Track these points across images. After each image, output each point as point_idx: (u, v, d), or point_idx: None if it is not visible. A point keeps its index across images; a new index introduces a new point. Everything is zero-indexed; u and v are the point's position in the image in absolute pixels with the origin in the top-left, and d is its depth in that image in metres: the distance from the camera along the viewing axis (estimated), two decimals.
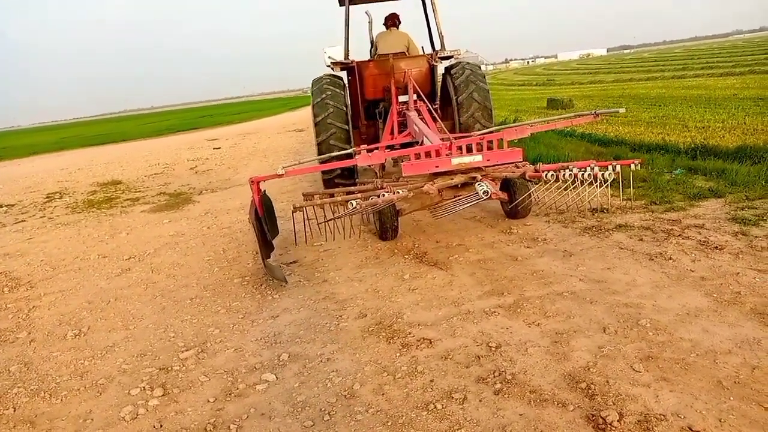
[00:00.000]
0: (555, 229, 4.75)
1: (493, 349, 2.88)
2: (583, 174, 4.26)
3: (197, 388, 2.85)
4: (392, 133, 6.29)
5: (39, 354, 3.47)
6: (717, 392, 2.32)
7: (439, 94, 7.61)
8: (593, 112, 4.92)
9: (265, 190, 4.89)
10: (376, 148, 5.11)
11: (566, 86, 28.40)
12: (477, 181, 4.30)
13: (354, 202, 4.14)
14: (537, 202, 5.26)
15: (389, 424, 2.37)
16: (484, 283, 3.78)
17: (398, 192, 4.22)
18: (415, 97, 6.47)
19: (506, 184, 4.96)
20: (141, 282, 4.67)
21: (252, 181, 4.63)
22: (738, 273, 3.44)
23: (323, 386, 2.73)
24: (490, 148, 4.33)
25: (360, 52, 7.60)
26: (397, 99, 6.58)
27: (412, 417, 2.40)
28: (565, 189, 4.53)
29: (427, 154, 4.33)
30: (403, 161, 4.54)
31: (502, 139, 4.52)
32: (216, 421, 2.54)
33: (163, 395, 2.81)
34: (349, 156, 5.28)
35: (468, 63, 6.96)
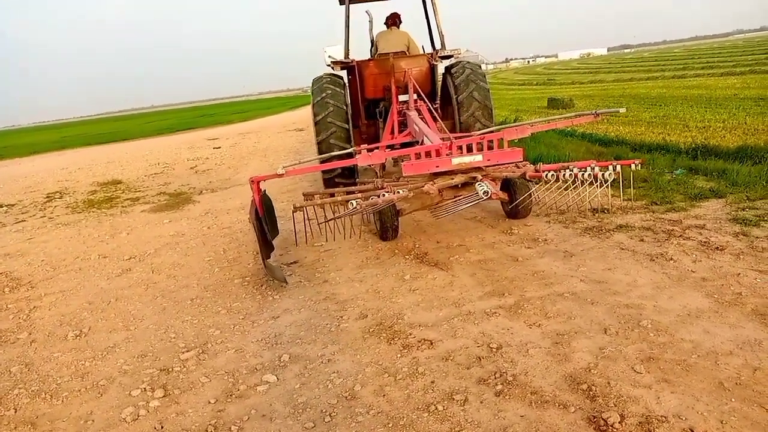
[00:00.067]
0: (556, 230, 4.75)
1: (494, 350, 2.88)
2: (583, 174, 4.25)
3: (198, 389, 2.85)
4: (392, 132, 6.28)
5: (40, 355, 3.47)
6: (718, 393, 2.31)
7: (439, 93, 7.60)
8: (594, 111, 4.90)
9: (265, 190, 4.88)
10: (377, 148, 5.10)
11: (567, 86, 28.40)
12: (477, 181, 4.29)
13: (354, 202, 4.14)
14: (537, 202, 5.25)
15: (390, 425, 2.37)
16: (484, 283, 3.78)
17: (398, 192, 4.21)
18: (415, 96, 6.46)
19: (507, 184, 4.96)
20: (141, 282, 4.67)
21: (252, 181, 4.62)
22: (739, 274, 3.44)
23: (324, 387, 2.73)
24: (490, 148, 4.32)
25: (360, 52, 7.60)
26: (397, 98, 6.57)
27: (413, 418, 2.40)
28: (566, 189, 4.52)
29: (428, 154, 4.33)
30: (403, 161, 4.54)
31: (502, 139, 4.51)
32: (217, 422, 2.54)
33: (164, 396, 2.81)
34: (350, 155, 5.28)
35: (468, 62, 6.94)
